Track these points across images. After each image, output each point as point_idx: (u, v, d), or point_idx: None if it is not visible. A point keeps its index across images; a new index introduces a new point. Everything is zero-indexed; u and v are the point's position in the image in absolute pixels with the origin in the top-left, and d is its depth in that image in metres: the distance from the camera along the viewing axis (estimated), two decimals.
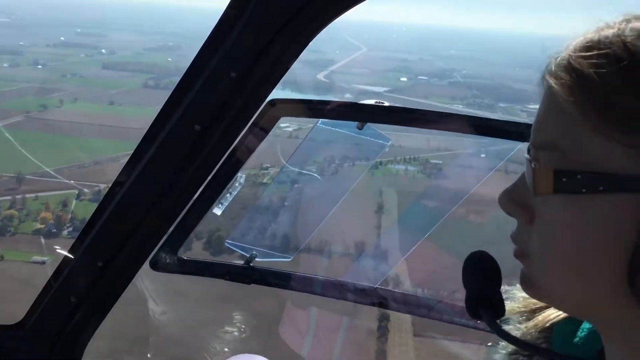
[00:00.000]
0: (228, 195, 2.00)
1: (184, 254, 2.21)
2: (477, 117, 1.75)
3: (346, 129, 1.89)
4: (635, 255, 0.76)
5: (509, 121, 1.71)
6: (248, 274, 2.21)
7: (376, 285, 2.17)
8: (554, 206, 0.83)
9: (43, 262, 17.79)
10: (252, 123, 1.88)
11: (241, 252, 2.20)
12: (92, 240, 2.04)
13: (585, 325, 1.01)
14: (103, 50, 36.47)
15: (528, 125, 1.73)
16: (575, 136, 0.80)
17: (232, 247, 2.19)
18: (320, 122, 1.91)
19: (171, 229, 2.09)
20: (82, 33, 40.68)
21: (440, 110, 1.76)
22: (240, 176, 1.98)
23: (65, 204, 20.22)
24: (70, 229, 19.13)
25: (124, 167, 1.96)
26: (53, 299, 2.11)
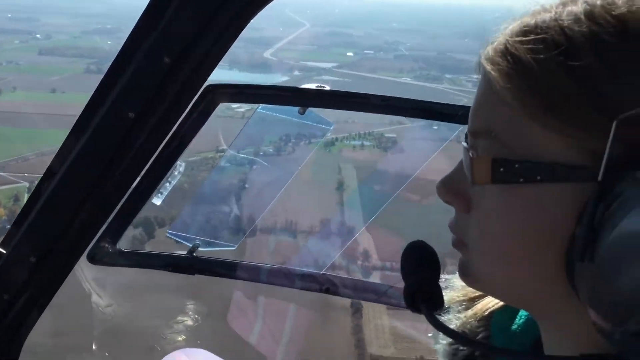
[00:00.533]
0: (167, 184, 1.94)
1: (124, 245, 2.13)
2: (419, 100, 1.73)
3: (287, 114, 1.85)
4: (572, 245, 0.75)
5: (451, 105, 1.71)
6: (192, 265, 2.15)
7: (323, 271, 2.15)
8: (491, 196, 0.81)
9: None
10: (190, 109, 1.81)
11: (183, 242, 2.14)
12: (23, 235, 1.94)
13: (523, 313, 1.02)
14: (38, 36, 34.81)
15: (469, 109, 1.74)
16: (513, 124, 0.78)
17: (173, 238, 2.13)
18: (260, 107, 1.86)
19: (109, 220, 2.01)
20: (13, 18, 38.68)
21: (382, 95, 1.74)
22: (180, 164, 1.91)
23: (17, 198, 19.46)
24: None
25: (55, 157, 1.86)
26: None
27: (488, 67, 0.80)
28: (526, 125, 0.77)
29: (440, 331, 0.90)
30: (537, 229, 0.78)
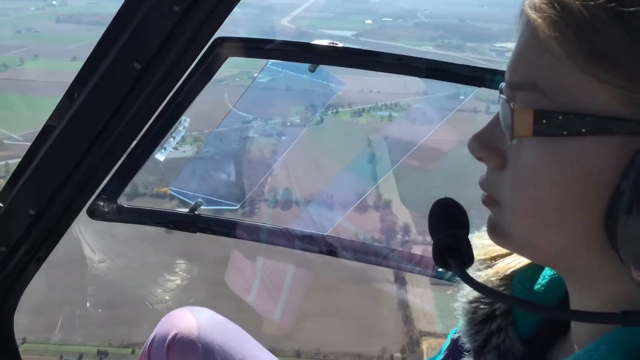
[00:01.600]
0: (171, 139, 1.89)
1: (125, 201, 2.09)
2: (435, 60, 1.69)
3: (297, 70, 1.80)
4: (613, 201, 0.73)
5: (469, 66, 1.67)
6: (193, 222, 2.12)
7: (326, 233, 2.13)
8: (530, 150, 0.78)
9: None
10: (197, 62, 1.75)
11: (185, 199, 2.10)
12: (22, 187, 1.89)
13: (547, 272, 1.00)
14: (54, 2, 33.70)
15: (486, 70, 1.70)
16: (557, 75, 0.74)
17: (175, 195, 2.09)
18: (270, 62, 1.80)
19: (110, 175, 1.96)
20: None
21: (397, 53, 1.69)
22: (185, 119, 1.86)
23: None
24: None
25: (56, 108, 1.81)
26: None
27: (533, 15, 0.76)
28: (572, 75, 0.73)
29: (471, 286, 0.88)
30: (578, 184, 0.75)
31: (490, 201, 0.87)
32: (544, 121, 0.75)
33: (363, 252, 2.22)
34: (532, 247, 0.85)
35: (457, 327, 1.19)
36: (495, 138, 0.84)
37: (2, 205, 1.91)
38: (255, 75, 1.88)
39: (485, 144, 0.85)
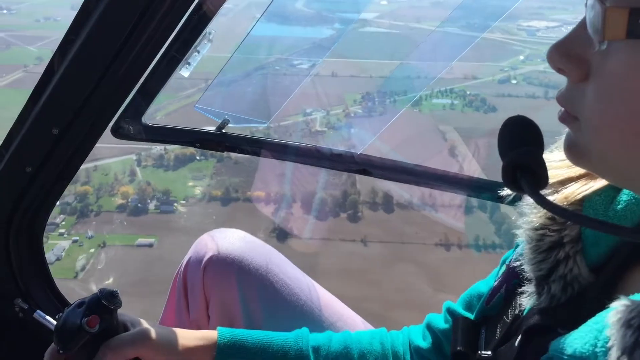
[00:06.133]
0: (196, 54, 1.78)
1: (149, 119, 2.01)
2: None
3: None
4: None
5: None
6: (220, 141, 2.05)
7: (359, 152, 2.05)
8: (621, 55, 0.69)
9: (151, 245, 17.27)
10: None
11: (212, 117, 2.02)
12: (43, 106, 1.82)
13: (622, 197, 0.92)
14: None
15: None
16: None
17: (202, 113, 2.00)
18: None
19: (133, 92, 1.88)
20: None
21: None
22: (210, 32, 1.74)
23: (133, 173, 19.06)
24: (156, 202, 18.78)
25: (72, 22, 1.70)
26: (6, 171, 1.93)
27: None
28: None
29: (546, 208, 0.80)
30: None
31: (568, 117, 0.79)
32: None
33: (395, 171, 2.14)
34: (612, 166, 0.78)
35: (511, 253, 1.13)
36: (578, 46, 0.75)
37: (23, 125, 1.85)
38: None
39: (567, 52, 0.76)
